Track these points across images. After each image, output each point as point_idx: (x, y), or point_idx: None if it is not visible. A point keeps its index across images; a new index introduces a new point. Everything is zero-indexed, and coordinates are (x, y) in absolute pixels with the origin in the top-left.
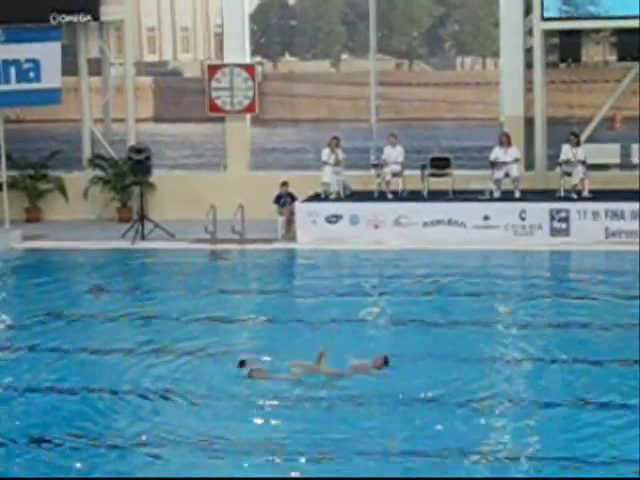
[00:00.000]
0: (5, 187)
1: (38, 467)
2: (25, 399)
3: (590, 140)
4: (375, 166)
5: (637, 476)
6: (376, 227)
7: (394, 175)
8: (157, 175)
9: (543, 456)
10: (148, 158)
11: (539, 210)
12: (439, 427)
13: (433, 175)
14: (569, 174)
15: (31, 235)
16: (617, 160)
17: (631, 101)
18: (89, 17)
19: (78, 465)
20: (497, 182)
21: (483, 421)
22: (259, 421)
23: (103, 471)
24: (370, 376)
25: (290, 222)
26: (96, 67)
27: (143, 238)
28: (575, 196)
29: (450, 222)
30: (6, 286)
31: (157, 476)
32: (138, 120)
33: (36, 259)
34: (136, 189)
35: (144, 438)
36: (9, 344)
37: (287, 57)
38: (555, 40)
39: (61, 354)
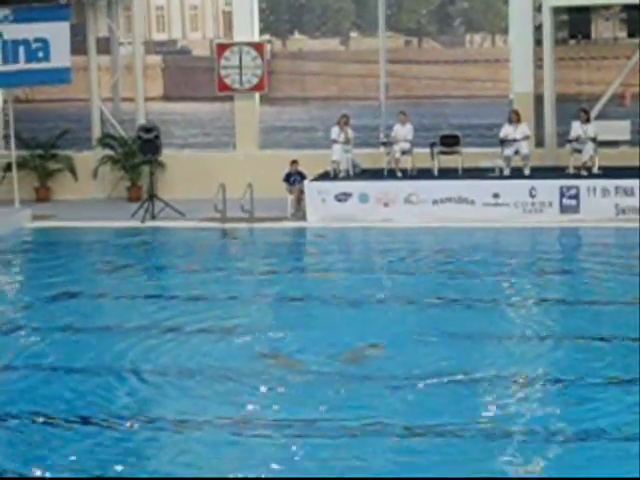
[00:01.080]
0: (15, 167)
1: (43, 446)
2: (30, 377)
3: (600, 117)
4: (384, 144)
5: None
6: (386, 205)
7: (404, 153)
8: (166, 154)
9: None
10: (157, 137)
11: (549, 187)
12: (449, 405)
13: (443, 153)
14: (579, 151)
15: (41, 215)
16: (627, 137)
17: None
18: None
19: (83, 445)
20: (507, 159)
21: (496, 398)
22: (275, 400)
23: (108, 452)
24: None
25: (299, 200)
26: (105, 46)
27: (153, 217)
28: (585, 173)
29: (460, 200)
30: (16, 265)
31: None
32: (147, 99)
33: (46, 238)
34: (146, 168)
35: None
36: (20, 323)
37: (296, 35)
38: (564, 17)
39: (72, 333)
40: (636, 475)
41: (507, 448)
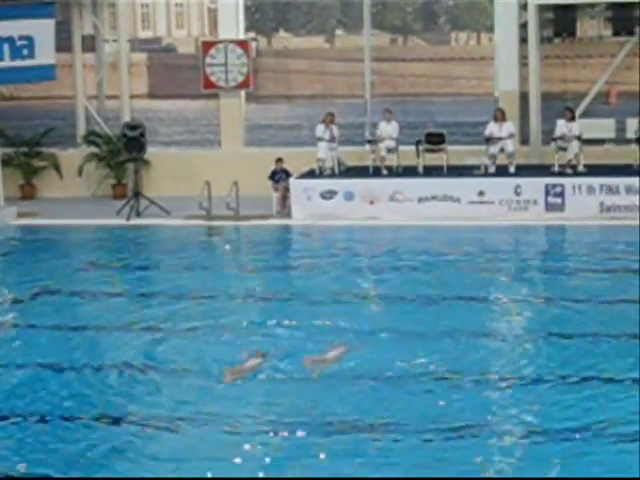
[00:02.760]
0: None
1: (34, 445)
2: (15, 375)
3: (585, 115)
4: (370, 142)
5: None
6: (371, 203)
7: (389, 151)
8: (152, 152)
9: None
10: (142, 135)
11: (534, 185)
12: (438, 403)
13: (428, 151)
14: (564, 149)
15: (26, 212)
16: (612, 135)
17: (626, 76)
18: None
19: (79, 443)
20: (492, 157)
21: (484, 397)
22: (264, 398)
23: (102, 448)
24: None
25: (285, 198)
26: (90, 44)
27: (138, 215)
28: (570, 171)
29: (445, 197)
30: (1, 263)
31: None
32: (132, 97)
33: (31, 236)
34: (131, 166)
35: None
36: (2, 320)
37: (281, 33)
38: (550, 15)
39: (55, 330)
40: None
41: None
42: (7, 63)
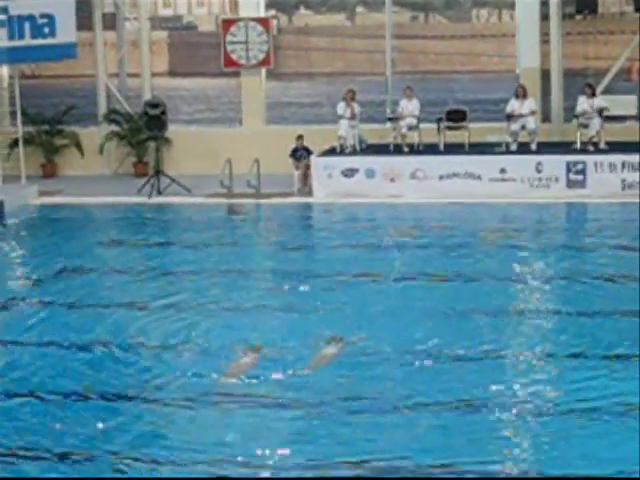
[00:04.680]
0: (21, 143)
1: (54, 421)
2: (40, 354)
3: (607, 91)
4: (391, 119)
5: None
6: (392, 180)
7: (410, 128)
8: (173, 130)
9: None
10: (164, 113)
11: (556, 162)
12: (458, 381)
13: (449, 128)
14: (586, 126)
15: (47, 190)
16: (634, 112)
17: None
18: None
19: (98, 423)
20: (513, 135)
21: (503, 375)
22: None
23: (124, 427)
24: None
25: (306, 176)
26: (111, 22)
27: (159, 193)
28: (592, 148)
29: (466, 175)
30: (23, 241)
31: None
32: (153, 75)
33: (52, 214)
34: (152, 144)
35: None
36: (26, 299)
37: (302, 10)
38: None
39: (76, 308)
40: None
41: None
42: (28, 41)
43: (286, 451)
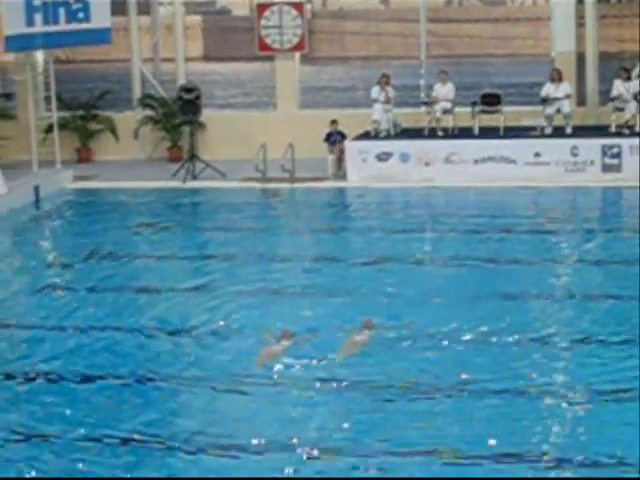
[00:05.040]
0: (56, 128)
1: (89, 405)
2: (77, 338)
3: None
4: (425, 103)
5: None
6: (426, 164)
7: (444, 112)
8: (207, 114)
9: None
10: (198, 97)
11: (591, 146)
12: (496, 366)
13: (484, 112)
14: (621, 109)
15: (82, 175)
16: None
17: None
18: None
19: (132, 404)
20: (548, 118)
21: (542, 359)
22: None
23: (158, 409)
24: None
25: (340, 160)
26: (145, 6)
27: (194, 177)
28: (627, 132)
29: (501, 159)
30: (58, 226)
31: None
32: (187, 59)
33: (87, 199)
34: (186, 129)
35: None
36: (61, 283)
37: None
38: None
39: (111, 293)
40: None
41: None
42: (63, 27)
43: (316, 436)
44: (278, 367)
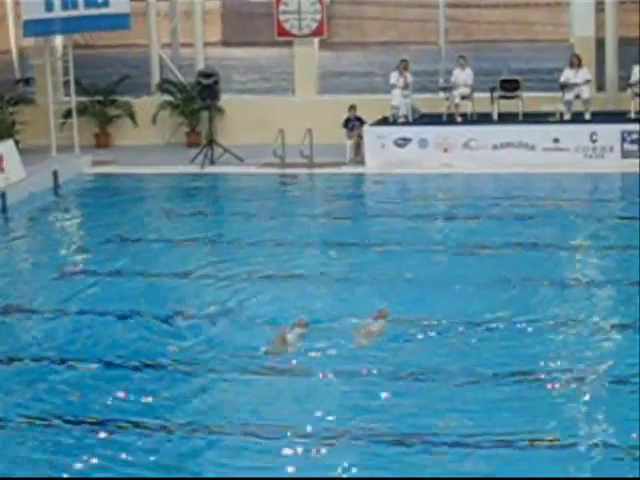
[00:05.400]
0: (75, 113)
1: (109, 390)
2: (95, 322)
3: None
4: (444, 89)
5: None
6: (445, 150)
7: (463, 98)
8: (226, 99)
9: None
10: (216, 82)
11: (610, 132)
12: (511, 351)
13: (503, 97)
14: None
15: (101, 160)
16: None
17: None
18: None
19: (151, 389)
20: (567, 104)
21: (557, 343)
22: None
23: (176, 394)
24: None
25: (358, 146)
26: None
27: (212, 162)
28: None
29: (520, 145)
30: (77, 211)
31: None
32: (206, 44)
33: (106, 184)
34: (205, 114)
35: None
36: (79, 268)
37: None
38: None
39: (129, 277)
40: None
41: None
42: (82, 11)
43: (334, 421)
44: (293, 353)
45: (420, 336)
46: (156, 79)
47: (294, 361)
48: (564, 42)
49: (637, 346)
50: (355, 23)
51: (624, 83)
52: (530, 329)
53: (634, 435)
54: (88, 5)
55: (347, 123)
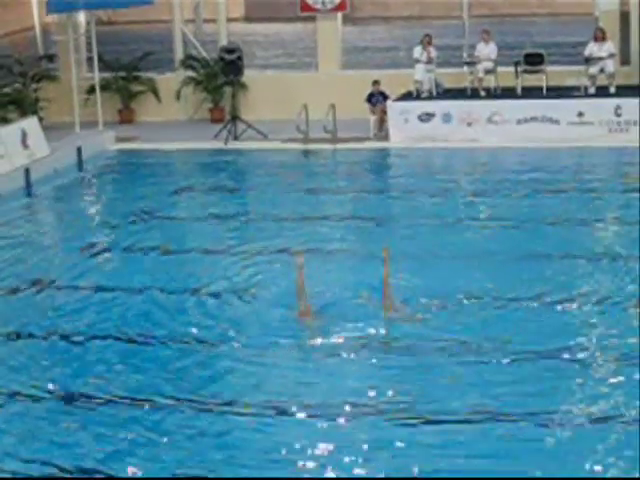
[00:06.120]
0: (98, 89)
1: (131, 366)
2: (119, 299)
3: None
4: (468, 63)
5: None
6: (469, 125)
7: (487, 72)
8: (249, 75)
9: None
10: (240, 58)
11: (634, 106)
12: (535, 326)
13: (526, 72)
14: None
15: (124, 136)
16: None
17: None
18: None
19: (174, 365)
20: (592, 78)
21: (580, 318)
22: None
23: (198, 371)
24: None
25: (382, 121)
26: None
27: (236, 138)
28: None
29: (544, 119)
30: (101, 187)
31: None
32: (229, 20)
33: (129, 160)
34: (228, 89)
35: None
36: (104, 243)
37: None
38: None
39: (157, 254)
40: None
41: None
42: None
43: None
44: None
45: (444, 311)
46: (179, 55)
47: (319, 338)
48: (588, 16)
49: None
50: None
51: None
52: (560, 306)
53: None
54: None
55: (370, 98)
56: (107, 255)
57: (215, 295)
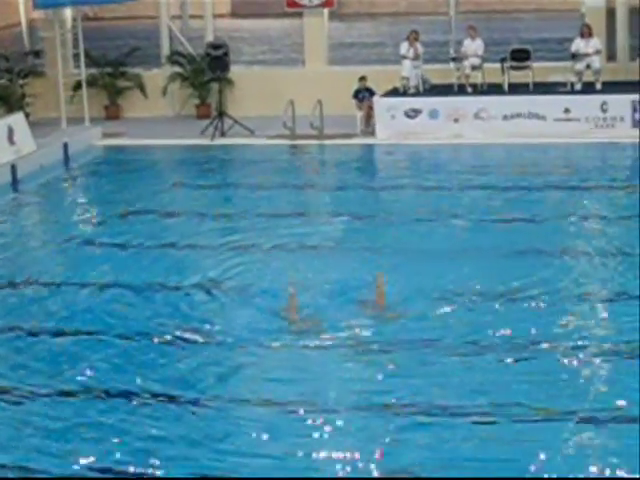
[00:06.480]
0: (84, 85)
1: (126, 362)
2: (106, 295)
3: None
4: (454, 59)
5: None
6: (455, 121)
7: (474, 68)
8: (235, 71)
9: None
10: (226, 54)
11: (621, 102)
12: (521, 322)
13: (513, 68)
14: None
15: (111, 132)
16: None
17: None
18: None
19: (168, 361)
20: (578, 74)
21: (566, 312)
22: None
23: (191, 367)
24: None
25: (369, 117)
26: None
27: (222, 134)
28: None
29: (530, 115)
30: (87, 183)
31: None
32: (215, 16)
33: (116, 156)
34: (214, 85)
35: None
36: (90, 239)
37: None
38: None
39: (139, 250)
40: None
41: None
42: None
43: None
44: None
45: (428, 308)
46: (166, 51)
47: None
48: (575, 12)
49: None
50: None
51: (635, 53)
52: (543, 302)
53: None
54: None
55: (357, 94)
56: (91, 250)
57: (201, 289)
